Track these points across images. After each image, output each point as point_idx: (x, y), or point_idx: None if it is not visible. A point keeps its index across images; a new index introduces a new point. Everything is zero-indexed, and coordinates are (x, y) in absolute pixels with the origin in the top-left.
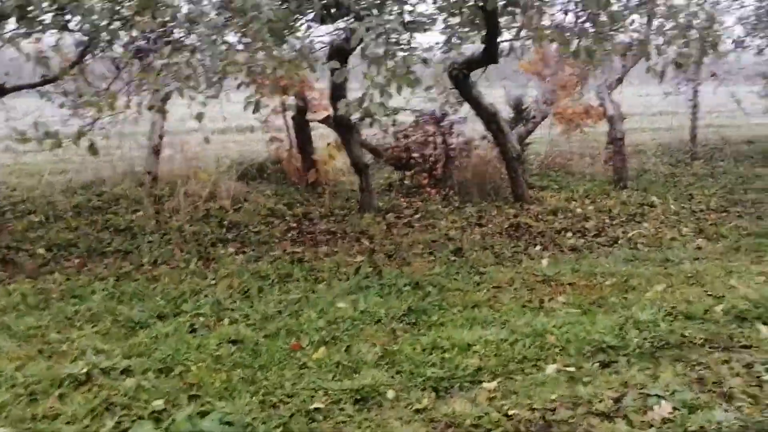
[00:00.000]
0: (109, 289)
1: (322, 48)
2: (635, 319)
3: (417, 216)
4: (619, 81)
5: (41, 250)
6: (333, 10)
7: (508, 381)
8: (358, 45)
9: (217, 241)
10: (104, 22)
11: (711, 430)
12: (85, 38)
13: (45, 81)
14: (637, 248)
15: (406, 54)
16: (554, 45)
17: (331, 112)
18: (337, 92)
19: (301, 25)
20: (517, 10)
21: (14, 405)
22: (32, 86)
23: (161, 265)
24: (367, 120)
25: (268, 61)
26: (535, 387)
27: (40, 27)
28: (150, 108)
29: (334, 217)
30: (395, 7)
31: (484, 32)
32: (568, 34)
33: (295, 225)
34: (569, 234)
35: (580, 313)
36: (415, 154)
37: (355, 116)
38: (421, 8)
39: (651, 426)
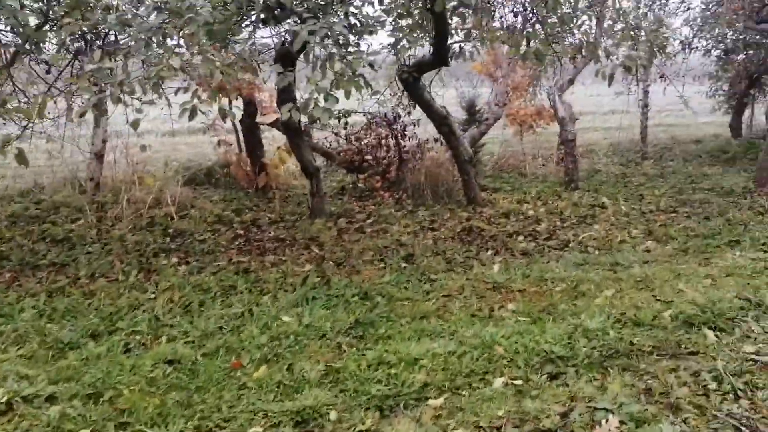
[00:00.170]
0: (40, 306)
1: (268, 50)
2: (584, 327)
3: (369, 221)
4: (571, 82)
5: None
6: (278, 11)
7: (454, 397)
8: (302, 48)
9: (160, 251)
10: (32, 23)
11: None
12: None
13: None
14: (587, 251)
15: (351, 58)
16: (506, 47)
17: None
18: (284, 96)
19: (247, 27)
20: (468, 12)
21: None
22: None
23: (99, 279)
24: (319, 123)
25: (205, 66)
26: (482, 403)
27: None
28: (81, 115)
29: (284, 223)
30: (340, 10)
31: (433, 35)
32: (517, 36)
33: (242, 232)
34: (521, 237)
35: (530, 321)
36: (368, 157)
37: (297, 120)
38: (369, 11)
39: None
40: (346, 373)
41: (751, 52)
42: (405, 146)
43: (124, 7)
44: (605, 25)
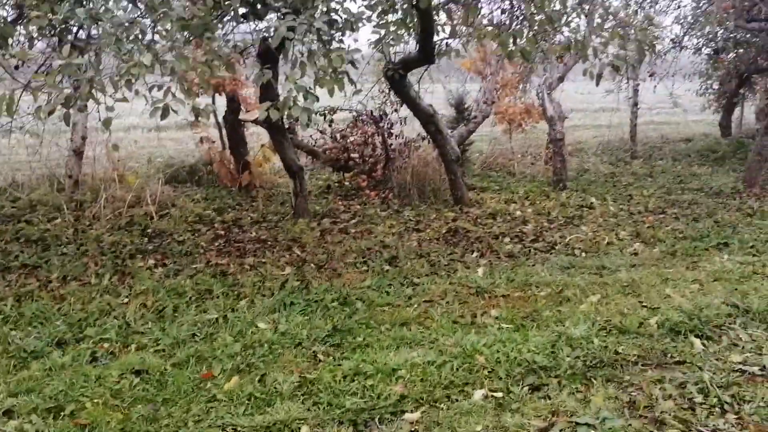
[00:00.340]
0: (6, 312)
1: (252, 46)
2: (568, 335)
3: (354, 221)
4: (560, 80)
5: None
6: (259, 7)
7: (432, 410)
8: (281, 45)
9: (137, 252)
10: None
11: None
12: None
13: None
14: (574, 254)
15: (334, 55)
16: (494, 44)
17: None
18: (266, 93)
19: (228, 22)
20: (455, 7)
21: None
22: None
23: (71, 282)
24: (310, 119)
25: (178, 63)
26: (460, 417)
27: None
28: (50, 113)
29: (266, 224)
30: (322, 6)
31: (418, 31)
32: (503, 33)
33: (223, 233)
34: (507, 239)
35: (513, 329)
36: (354, 155)
37: (279, 118)
38: (352, 8)
39: None
40: (321, 384)
41: (742, 50)
42: (392, 144)
43: (93, 1)
44: (595, 23)
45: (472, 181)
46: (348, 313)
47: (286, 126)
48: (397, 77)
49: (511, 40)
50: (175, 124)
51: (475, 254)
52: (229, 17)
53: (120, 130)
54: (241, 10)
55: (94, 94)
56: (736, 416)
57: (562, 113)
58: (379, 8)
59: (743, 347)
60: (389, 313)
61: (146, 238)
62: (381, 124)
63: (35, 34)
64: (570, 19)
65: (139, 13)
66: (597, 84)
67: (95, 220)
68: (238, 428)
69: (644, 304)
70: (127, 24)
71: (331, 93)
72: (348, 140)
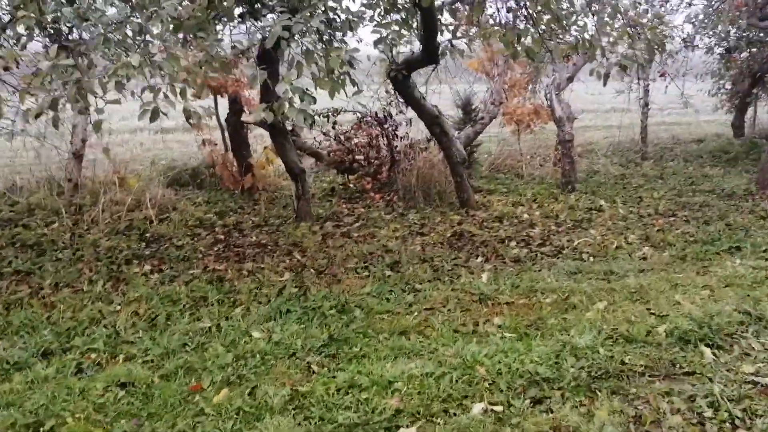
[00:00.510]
0: None
1: (250, 47)
2: (573, 344)
3: (357, 224)
4: (570, 80)
5: None
6: (256, 6)
7: (428, 425)
8: (277, 45)
9: (133, 257)
10: None
11: None
12: None
13: None
14: (581, 259)
15: (330, 55)
16: (500, 44)
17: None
18: (266, 95)
19: (225, 23)
20: (464, 8)
21: None
22: None
23: (64, 289)
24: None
25: (168, 63)
26: None
27: None
28: (37, 116)
29: (267, 227)
30: (319, 4)
31: (421, 31)
32: (508, 33)
33: (223, 237)
34: (513, 243)
35: (516, 338)
36: (359, 157)
37: (281, 120)
38: (350, 6)
39: None
40: (313, 398)
41: (755, 49)
42: (397, 146)
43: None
44: (603, 21)
45: (480, 183)
46: (345, 322)
47: (289, 128)
48: (400, 78)
49: (516, 40)
50: (182, 126)
51: (480, 259)
52: (225, 17)
53: (126, 132)
54: (238, 10)
55: (83, 96)
56: None
57: (571, 114)
58: (379, 8)
59: (756, 357)
60: (388, 322)
61: (144, 243)
62: (386, 126)
63: (24, 34)
64: (577, 18)
65: (128, 12)
66: (604, 84)
67: (93, 225)
68: None
69: (652, 311)
70: (116, 23)
71: (331, 94)
72: (352, 142)
